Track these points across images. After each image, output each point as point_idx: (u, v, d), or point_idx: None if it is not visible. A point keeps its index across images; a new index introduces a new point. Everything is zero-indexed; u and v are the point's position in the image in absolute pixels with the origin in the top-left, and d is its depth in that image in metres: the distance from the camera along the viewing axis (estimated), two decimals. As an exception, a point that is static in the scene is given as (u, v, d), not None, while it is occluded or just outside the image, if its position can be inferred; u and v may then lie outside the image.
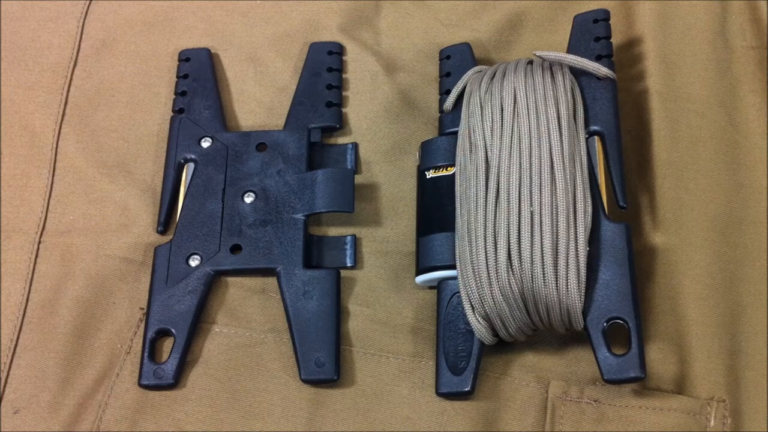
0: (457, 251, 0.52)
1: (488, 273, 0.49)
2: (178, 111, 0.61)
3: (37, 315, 0.56)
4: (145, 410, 0.52)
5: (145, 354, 0.53)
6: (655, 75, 0.58)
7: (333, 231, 0.58)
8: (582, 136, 0.53)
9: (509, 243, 0.49)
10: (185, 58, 0.63)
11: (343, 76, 0.63)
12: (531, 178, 0.50)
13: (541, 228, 0.49)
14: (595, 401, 0.50)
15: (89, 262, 0.57)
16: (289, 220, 0.56)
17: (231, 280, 0.56)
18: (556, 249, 0.48)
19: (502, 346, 0.52)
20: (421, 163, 0.57)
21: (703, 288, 0.52)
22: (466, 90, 0.56)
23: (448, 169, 0.55)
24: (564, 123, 0.52)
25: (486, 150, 0.52)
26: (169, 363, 0.53)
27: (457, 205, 0.53)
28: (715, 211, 0.54)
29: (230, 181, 0.58)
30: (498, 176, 0.51)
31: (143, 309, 0.55)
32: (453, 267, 0.52)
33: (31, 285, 0.57)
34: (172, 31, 0.65)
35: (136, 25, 0.65)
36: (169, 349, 0.53)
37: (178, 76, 0.63)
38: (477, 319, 0.50)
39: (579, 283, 0.48)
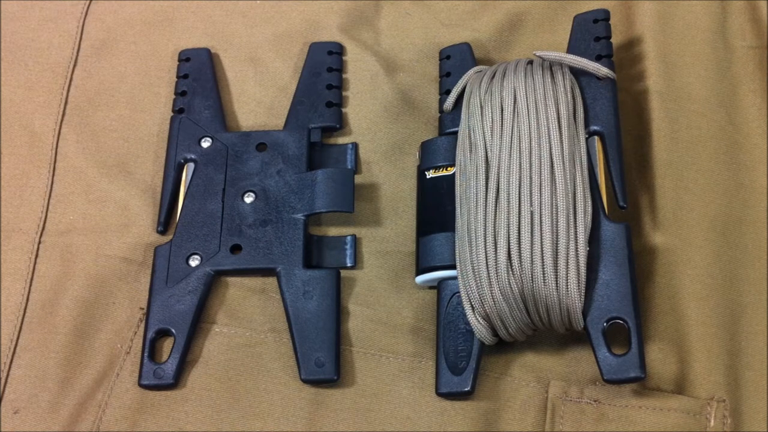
0: (457, 251, 0.52)
1: (488, 273, 0.49)
2: (178, 111, 0.61)
3: (37, 315, 0.56)
4: (145, 410, 0.52)
5: (145, 354, 0.53)
6: (655, 75, 0.58)
7: (333, 231, 0.58)
8: (582, 136, 0.53)
9: (509, 243, 0.49)
10: (185, 58, 0.63)
11: (343, 76, 0.63)
12: (531, 178, 0.50)
13: (541, 228, 0.49)
14: (595, 401, 0.50)
15: (89, 262, 0.57)
16: (289, 220, 0.56)
17: (231, 280, 0.56)
18: (556, 249, 0.48)
19: (502, 346, 0.52)
20: (421, 163, 0.57)
21: (703, 288, 0.52)
22: (466, 90, 0.56)
23: (448, 169, 0.55)
24: (564, 123, 0.52)
25: (486, 150, 0.52)
26: (169, 363, 0.53)
27: (457, 205, 0.53)
28: (715, 211, 0.54)
29: (230, 181, 0.58)
30: (498, 176, 0.51)
31: (143, 309, 0.55)
32: (453, 267, 0.52)
33: (31, 285, 0.57)
34: (172, 31, 0.65)
35: (136, 25, 0.65)
36: (169, 349, 0.53)
37: (178, 76, 0.63)
38: (477, 319, 0.50)
39: (579, 283, 0.48)
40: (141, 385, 0.53)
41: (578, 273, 0.48)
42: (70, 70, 0.64)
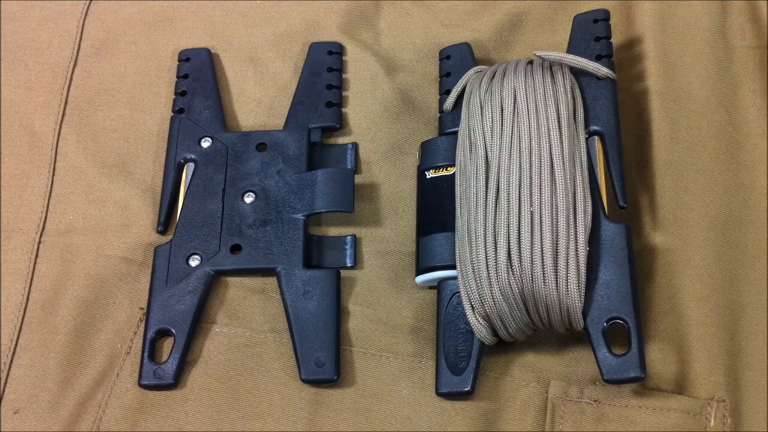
0: (457, 251, 0.52)
1: (488, 273, 0.49)
2: (178, 111, 0.61)
3: (37, 315, 0.56)
4: (145, 410, 0.52)
5: (145, 354, 0.53)
6: (655, 75, 0.58)
7: (333, 231, 0.58)
8: (582, 136, 0.53)
9: (509, 243, 0.49)
10: (185, 58, 0.63)
11: (343, 76, 0.63)
12: (531, 178, 0.50)
13: (541, 228, 0.49)
14: (595, 401, 0.50)
15: (89, 262, 0.57)
16: (289, 220, 0.56)
17: (231, 280, 0.56)
18: (556, 249, 0.48)
19: (502, 346, 0.52)
20: (421, 163, 0.57)
21: (703, 288, 0.52)
22: (466, 90, 0.56)
23: (448, 169, 0.55)
24: (564, 123, 0.52)
25: (486, 150, 0.52)
26: (169, 363, 0.53)
27: (457, 205, 0.53)
28: (715, 211, 0.54)
29: (230, 181, 0.58)
30: (498, 176, 0.51)
31: (143, 309, 0.55)
32: (453, 267, 0.52)
33: (31, 285, 0.57)
34: (172, 31, 0.65)
35: (136, 25, 0.65)
36: (169, 349, 0.53)
37: (178, 76, 0.63)
38: (477, 319, 0.50)
39: (579, 283, 0.48)
40: (141, 385, 0.53)
41: (578, 273, 0.48)
42: (70, 70, 0.64)
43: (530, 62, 0.55)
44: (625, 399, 0.50)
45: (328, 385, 0.52)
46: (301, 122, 0.60)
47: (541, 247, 0.48)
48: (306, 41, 0.64)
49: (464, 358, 0.51)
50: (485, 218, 0.50)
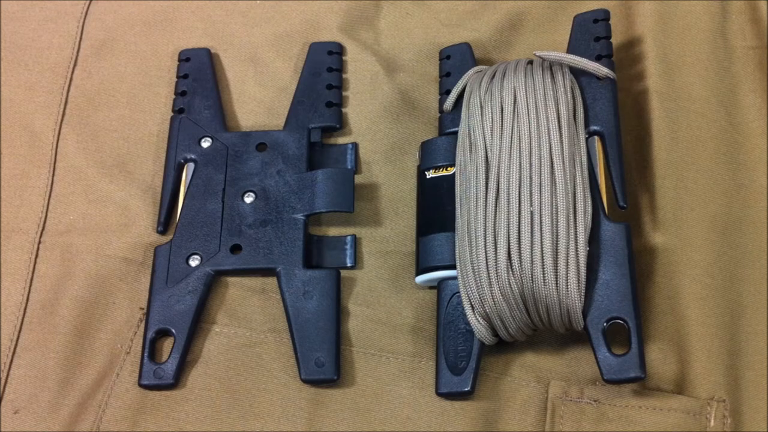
0: (457, 251, 0.52)
1: (488, 273, 0.49)
2: (178, 111, 0.61)
3: (37, 315, 0.56)
4: (145, 410, 0.52)
5: (145, 354, 0.53)
6: (655, 75, 0.58)
7: (333, 231, 0.58)
8: (582, 136, 0.53)
9: (509, 243, 0.49)
10: (185, 58, 0.63)
11: (343, 76, 0.63)
12: (531, 178, 0.50)
13: (541, 228, 0.49)
14: (595, 401, 0.50)
15: (89, 262, 0.57)
16: (289, 220, 0.56)
17: (231, 280, 0.56)
18: (556, 249, 0.48)
19: (502, 346, 0.52)
20: (421, 163, 0.57)
21: (703, 288, 0.52)
22: (466, 90, 0.56)
23: (448, 169, 0.55)
24: (564, 123, 0.52)
25: (486, 150, 0.52)
26: (169, 363, 0.53)
27: (457, 205, 0.53)
28: (715, 211, 0.54)
29: (230, 181, 0.58)
30: (498, 176, 0.51)
31: (143, 309, 0.55)
32: (453, 267, 0.52)
33: (31, 285, 0.57)
34: (172, 31, 0.65)
35: (136, 25, 0.65)
36: (169, 349, 0.53)
37: (178, 76, 0.63)
38: (477, 319, 0.50)
39: (579, 283, 0.48)
40: (141, 385, 0.53)
41: (578, 273, 0.48)
42: (70, 70, 0.64)
43: (530, 62, 0.55)
44: (625, 399, 0.50)
45: (328, 385, 0.53)
46: (301, 122, 0.60)
47: (541, 247, 0.48)
48: (306, 41, 0.64)
49: (464, 358, 0.51)
50: (485, 218, 0.50)
